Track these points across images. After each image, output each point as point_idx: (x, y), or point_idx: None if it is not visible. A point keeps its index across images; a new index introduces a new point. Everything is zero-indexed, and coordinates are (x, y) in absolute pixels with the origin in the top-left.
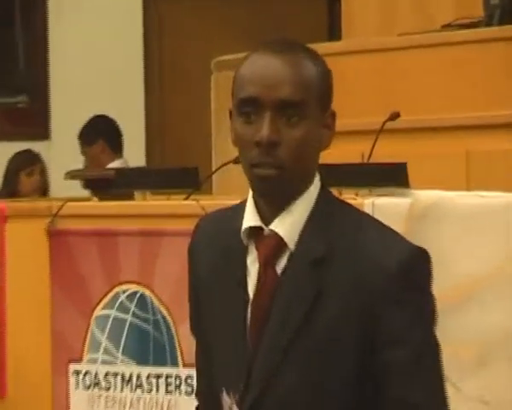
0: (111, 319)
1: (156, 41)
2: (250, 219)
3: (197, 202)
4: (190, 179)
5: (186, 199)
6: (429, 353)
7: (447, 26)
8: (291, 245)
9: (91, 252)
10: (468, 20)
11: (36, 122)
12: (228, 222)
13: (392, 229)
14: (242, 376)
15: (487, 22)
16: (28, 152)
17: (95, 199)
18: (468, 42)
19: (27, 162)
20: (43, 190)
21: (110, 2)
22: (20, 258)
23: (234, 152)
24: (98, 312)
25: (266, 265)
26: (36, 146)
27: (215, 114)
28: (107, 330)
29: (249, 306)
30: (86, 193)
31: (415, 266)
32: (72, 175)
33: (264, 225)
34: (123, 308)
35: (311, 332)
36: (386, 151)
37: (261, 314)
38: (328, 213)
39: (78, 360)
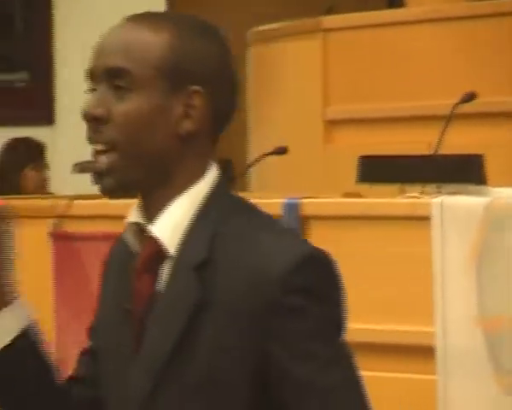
0: None
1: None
2: (133, 213)
3: None
4: (223, 173)
5: None
6: (334, 369)
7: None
8: (171, 250)
9: (101, 258)
10: None
11: (37, 104)
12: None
13: (292, 232)
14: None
15: None
16: (32, 141)
17: (106, 197)
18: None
19: (34, 154)
20: (47, 187)
21: None
22: (21, 263)
23: (274, 142)
24: None
25: (143, 271)
26: (37, 132)
27: (251, 96)
28: None
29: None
30: (96, 189)
31: (303, 269)
32: (80, 168)
33: (144, 225)
34: None
35: (192, 344)
36: (459, 140)
37: (137, 329)
38: (216, 214)
39: None
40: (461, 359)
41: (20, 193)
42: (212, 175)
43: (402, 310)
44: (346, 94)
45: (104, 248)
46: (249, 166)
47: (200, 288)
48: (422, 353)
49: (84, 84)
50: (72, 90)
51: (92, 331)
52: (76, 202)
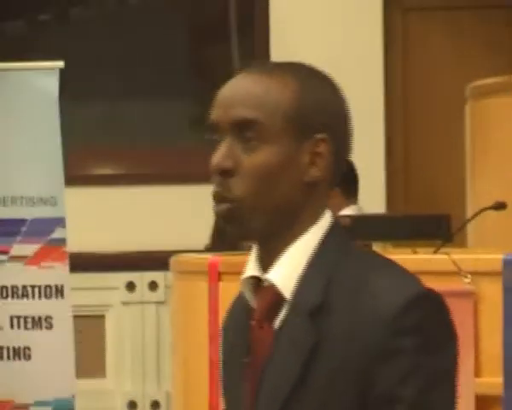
0: None
1: (399, 57)
2: (249, 268)
3: (448, 256)
4: (440, 229)
5: (435, 252)
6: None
7: None
8: (287, 295)
9: None
10: None
11: None
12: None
13: (405, 272)
14: None
15: None
16: None
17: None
18: None
19: None
20: None
21: (345, 13)
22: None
23: (493, 196)
24: None
25: (262, 320)
26: None
27: (470, 151)
28: None
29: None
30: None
31: (410, 310)
32: None
33: (261, 275)
34: None
35: (307, 389)
36: None
37: (256, 375)
38: (330, 258)
39: None
40: None
41: (237, 249)
42: (325, 221)
43: None
44: None
45: None
46: (467, 221)
47: (315, 332)
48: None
49: None
50: None
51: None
52: None
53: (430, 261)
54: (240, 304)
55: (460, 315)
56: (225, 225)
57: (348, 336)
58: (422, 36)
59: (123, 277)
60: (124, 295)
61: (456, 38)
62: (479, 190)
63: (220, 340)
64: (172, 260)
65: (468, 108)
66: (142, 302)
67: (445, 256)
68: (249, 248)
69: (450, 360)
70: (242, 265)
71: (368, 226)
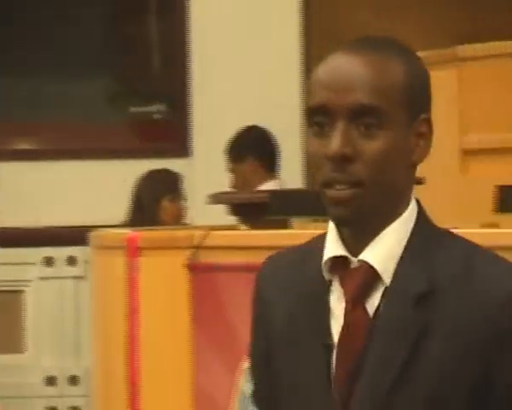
0: None
1: (317, 39)
2: (333, 248)
3: None
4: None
5: None
6: None
7: None
8: (386, 278)
9: (240, 290)
10: None
11: (174, 136)
12: (302, 263)
13: (505, 259)
14: None
15: None
16: (169, 172)
17: (244, 227)
18: None
19: (171, 185)
20: (183, 218)
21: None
22: (156, 298)
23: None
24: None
25: (355, 302)
26: (173, 164)
27: None
28: None
29: (334, 352)
30: (233, 220)
31: None
32: (216, 199)
33: (350, 256)
34: None
35: (416, 379)
36: None
37: (351, 361)
38: (428, 242)
39: None
40: None
41: (156, 224)
42: (414, 203)
43: None
44: (482, 124)
45: (242, 279)
46: None
47: (422, 320)
48: None
49: (219, 118)
50: (210, 122)
51: (262, 367)
52: (213, 232)
53: None
54: (297, 274)
55: None
56: (337, 208)
57: (458, 321)
58: (338, 16)
59: (41, 252)
60: (42, 270)
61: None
62: None
63: (259, 302)
64: (91, 235)
65: None
66: (60, 277)
67: None
68: (168, 225)
69: None
70: (162, 240)
71: (287, 202)
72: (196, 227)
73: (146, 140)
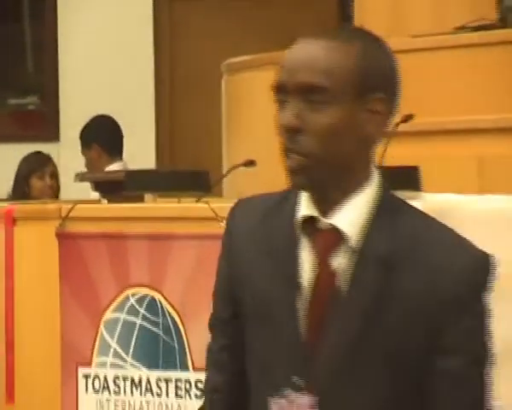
0: (120, 323)
1: (167, 41)
2: (306, 208)
3: (208, 204)
4: (201, 182)
5: (197, 202)
6: (484, 364)
7: (460, 29)
8: (352, 241)
9: (101, 255)
10: (482, 22)
11: (46, 124)
12: (274, 212)
13: (459, 233)
14: (300, 372)
15: (501, 25)
16: (39, 154)
17: (104, 201)
18: (482, 44)
19: (39, 165)
20: (54, 193)
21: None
22: (29, 261)
23: (244, 156)
24: (108, 315)
25: (324, 261)
26: (46, 148)
27: (226, 118)
28: (116, 333)
29: (302, 301)
30: (96, 195)
31: (482, 269)
32: (81, 177)
33: (321, 217)
34: (132, 312)
35: (379, 329)
36: (399, 154)
37: (319, 311)
38: (392, 213)
39: (88, 364)
40: None
41: (29, 199)
42: (377, 176)
43: None
44: None
45: (103, 245)
46: (223, 176)
47: (384, 278)
48: None
49: (83, 109)
50: (75, 112)
51: (224, 293)
52: (78, 205)
53: (192, 209)
54: (268, 220)
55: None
56: (293, 176)
57: (413, 286)
58: (187, 20)
59: None
60: None
61: (214, 20)
62: (233, 151)
63: (229, 237)
64: None
65: (223, 82)
66: None
67: (205, 205)
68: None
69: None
70: (34, 211)
71: (140, 180)
72: (64, 201)
73: (22, 128)
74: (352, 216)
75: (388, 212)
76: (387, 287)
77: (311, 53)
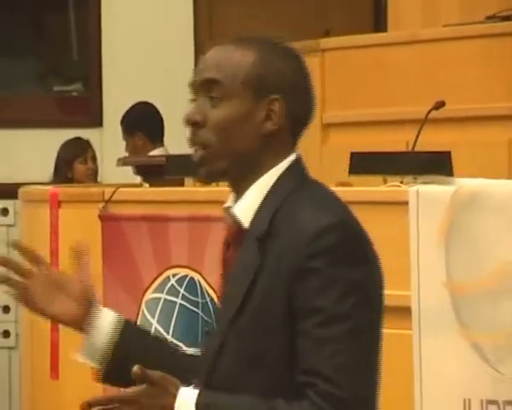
0: (161, 303)
1: (207, 28)
2: (229, 199)
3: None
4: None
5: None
6: (337, 324)
7: (491, 18)
8: (246, 224)
9: (142, 237)
10: (511, 12)
11: (90, 110)
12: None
13: (334, 204)
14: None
15: None
16: (79, 140)
17: (146, 185)
18: (511, 33)
19: (81, 150)
20: (95, 177)
21: None
22: (73, 243)
23: None
24: (149, 295)
25: (229, 244)
26: (89, 133)
27: None
28: (157, 313)
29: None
30: (138, 179)
31: (322, 236)
32: (123, 162)
33: (231, 206)
34: (173, 292)
35: (246, 313)
36: (431, 140)
37: (222, 289)
38: (281, 193)
39: None
40: (432, 317)
41: (72, 182)
42: (285, 163)
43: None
44: (339, 102)
45: (144, 228)
46: None
47: (260, 255)
48: (402, 312)
49: (125, 96)
50: (118, 98)
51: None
52: (120, 189)
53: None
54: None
55: None
56: (197, 168)
57: (279, 259)
58: (226, 14)
59: None
60: None
61: (253, 17)
62: None
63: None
64: (20, 191)
65: None
66: None
67: None
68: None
69: (363, 276)
70: (78, 195)
71: (180, 164)
72: (107, 185)
73: (66, 114)
74: (246, 203)
75: (277, 195)
76: (262, 262)
77: (213, 55)
